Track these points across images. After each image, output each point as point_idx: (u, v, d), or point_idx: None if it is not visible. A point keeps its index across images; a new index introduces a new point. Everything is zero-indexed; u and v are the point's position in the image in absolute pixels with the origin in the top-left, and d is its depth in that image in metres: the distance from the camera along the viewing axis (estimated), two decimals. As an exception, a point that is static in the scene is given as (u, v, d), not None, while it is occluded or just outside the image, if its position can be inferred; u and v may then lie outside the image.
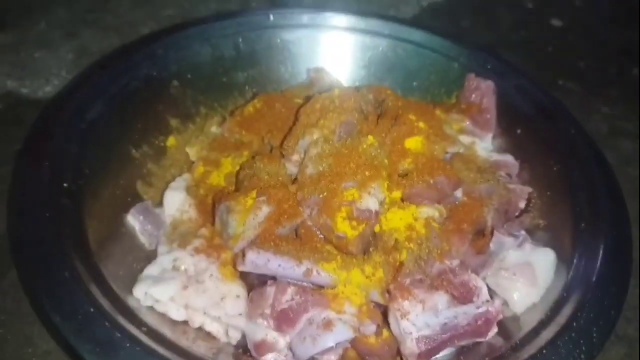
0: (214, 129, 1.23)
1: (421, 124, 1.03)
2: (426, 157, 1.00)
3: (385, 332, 0.87)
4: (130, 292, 0.88)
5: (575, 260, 0.92)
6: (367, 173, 0.93)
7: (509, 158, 1.17)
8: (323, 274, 0.87)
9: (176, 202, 1.05)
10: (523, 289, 0.89)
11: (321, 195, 0.92)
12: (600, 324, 0.81)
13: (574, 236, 0.97)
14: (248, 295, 0.92)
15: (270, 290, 0.87)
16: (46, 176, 0.94)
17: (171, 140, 1.23)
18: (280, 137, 1.10)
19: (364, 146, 0.97)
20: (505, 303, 0.91)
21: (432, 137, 1.03)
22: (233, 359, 0.87)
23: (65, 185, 0.94)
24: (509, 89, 1.24)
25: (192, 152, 1.19)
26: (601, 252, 0.91)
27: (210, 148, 1.16)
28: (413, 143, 1.01)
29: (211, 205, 1.06)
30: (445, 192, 0.98)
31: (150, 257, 1.01)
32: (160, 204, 1.09)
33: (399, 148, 1.00)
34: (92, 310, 0.76)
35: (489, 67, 1.28)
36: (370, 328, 0.85)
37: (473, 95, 1.26)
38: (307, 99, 1.08)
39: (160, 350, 0.74)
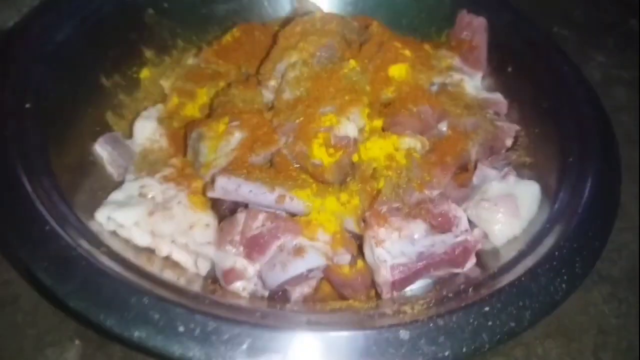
0: (190, 60, 1.17)
1: (407, 52, 0.98)
2: (410, 86, 0.96)
3: (359, 263, 0.83)
4: (93, 217, 0.83)
5: (560, 194, 0.88)
6: (346, 98, 0.88)
7: (498, 96, 1.12)
8: (296, 200, 0.82)
9: (147, 131, 1.00)
10: (504, 220, 0.86)
11: (297, 121, 0.87)
12: (584, 254, 0.77)
13: (561, 171, 0.93)
14: (219, 225, 0.88)
15: (241, 216, 0.83)
16: (7, 95, 0.88)
17: (145, 72, 1.17)
18: (257, 64, 1.05)
19: (345, 70, 0.92)
20: (485, 235, 0.88)
21: (417, 66, 0.98)
22: (201, 289, 0.84)
23: (27, 105, 0.89)
24: (502, 26, 1.18)
25: (166, 84, 1.13)
26: (588, 186, 0.87)
27: (186, 79, 1.10)
28: (397, 71, 0.96)
29: (184, 137, 1.01)
30: (429, 123, 0.94)
31: (117, 188, 0.96)
32: (130, 136, 1.04)
33: (382, 75, 0.95)
34: (47, 228, 0.72)
35: (481, 3, 1.22)
36: (344, 257, 0.81)
37: (464, 33, 1.20)
38: (288, 22, 1.02)
39: (117, 268, 0.70)
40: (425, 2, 1.28)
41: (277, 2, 1.29)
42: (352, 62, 0.92)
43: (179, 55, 1.22)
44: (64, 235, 0.72)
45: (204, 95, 1.07)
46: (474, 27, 1.19)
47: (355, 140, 0.87)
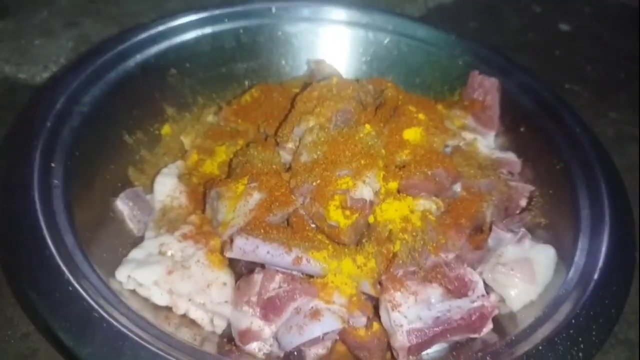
0: (210, 118, 1.21)
1: (421, 116, 1.00)
2: (425, 149, 0.98)
3: (375, 325, 0.83)
4: (113, 275, 0.85)
5: (575, 259, 0.89)
6: (362, 162, 0.90)
7: (511, 156, 1.14)
8: (313, 262, 0.84)
9: (167, 187, 1.03)
10: (520, 285, 0.86)
11: (314, 183, 0.89)
12: (600, 323, 0.77)
13: (576, 235, 0.94)
14: (235, 283, 0.89)
15: (258, 277, 0.84)
16: (35, 156, 0.91)
17: (166, 129, 1.21)
18: (276, 125, 1.08)
19: (361, 135, 0.94)
20: (501, 299, 0.88)
21: (431, 129, 1.00)
22: (217, 347, 0.84)
23: (53, 165, 0.92)
24: (513, 86, 1.22)
25: (187, 140, 1.17)
26: (603, 251, 0.87)
27: (205, 137, 1.14)
28: (412, 134, 0.98)
29: (203, 194, 1.03)
30: (444, 185, 0.95)
31: (137, 243, 0.98)
32: (151, 191, 1.07)
33: (397, 139, 0.98)
34: (69, 289, 0.73)
35: (493, 64, 1.25)
36: (360, 320, 0.82)
37: (476, 93, 1.24)
38: (305, 87, 1.06)
39: (138, 331, 0.71)
40: (438, 63, 1.32)
41: (294, 62, 1.34)
42: (368, 127, 0.95)
43: (199, 111, 1.26)
44: (86, 296, 0.73)
45: (222, 153, 1.10)
46: (486, 88, 1.23)
47: (371, 203, 0.88)
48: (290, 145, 0.98)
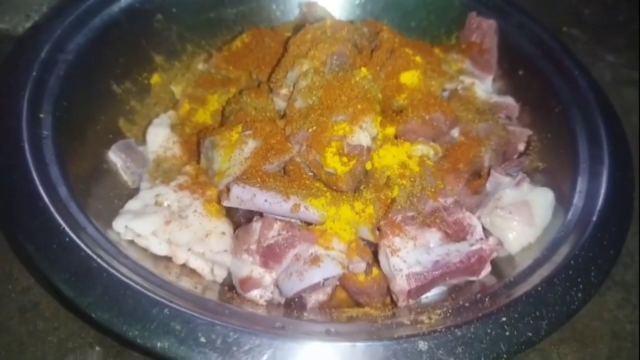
0: (200, 66, 1.18)
1: (418, 58, 0.98)
2: (422, 93, 0.96)
3: (374, 270, 0.84)
4: (110, 226, 0.84)
5: (574, 201, 0.89)
6: (359, 106, 0.88)
7: (509, 100, 1.12)
8: (311, 209, 0.83)
9: (159, 138, 1.01)
10: (519, 228, 0.86)
11: (310, 130, 0.87)
12: (599, 264, 0.78)
13: (574, 177, 0.93)
14: (234, 232, 0.88)
15: (256, 225, 0.83)
16: (22, 106, 0.89)
17: (155, 78, 1.17)
18: (269, 72, 1.05)
19: (357, 79, 0.91)
20: (500, 243, 0.88)
21: (429, 73, 0.98)
22: (218, 295, 0.84)
23: (41, 115, 0.89)
24: (512, 29, 1.18)
25: (177, 90, 1.14)
26: (602, 193, 0.87)
27: (196, 85, 1.11)
28: (409, 77, 0.96)
29: (197, 144, 1.01)
30: (442, 129, 0.94)
31: (132, 195, 0.96)
32: (143, 142, 1.05)
33: (394, 82, 0.95)
34: (66, 240, 0.72)
35: (490, 5, 1.22)
36: (359, 265, 0.82)
37: (474, 35, 1.21)
38: (298, 30, 1.02)
39: (140, 280, 0.71)
40: (434, 4, 1.28)
41: (285, 7, 1.29)
42: (364, 70, 0.92)
43: (189, 60, 1.22)
44: (84, 246, 0.72)
45: (214, 102, 1.08)
46: (483, 30, 1.19)
47: (369, 149, 0.87)
48: (284, 91, 0.95)
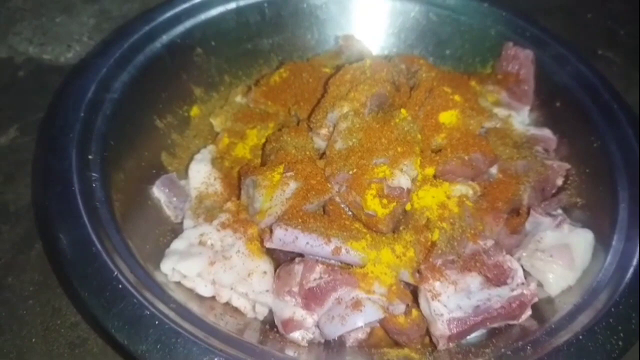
0: (238, 98, 1.20)
1: (456, 97, 0.99)
2: (461, 132, 0.96)
3: (414, 312, 0.85)
4: (158, 267, 0.87)
5: (614, 242, 0.89)
6: (399, 149, 0.89)
7: (546, 132, 1.12)
8: (352, 252, 0.84)
9: (201, 174, 1.03)
10: (559, 271, 0.86)
11: (351, 172, 0.89)
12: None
13: (613, 216, 0.93)
14: (275, 271, 0.90)
15: (299, 268, 0.85)
16: (72, 148, 0.92)
17: (195, 110, 1.20)
18: (307, 108, 1.07)
19: (396, 120, 0.93)
20: (539, 285, 0.89)
21: (467, 111, 0.98)
22: (260, 334, 0.87)
23: (90, 157, 0.93)
24: (548, 59, 1.18)
25: (216, 122, 1.17)
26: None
27: (235, 119, 1.13)
28: (447, 117, 0.97)
29: (237, 179, 1.04)
30: (481, 169, 0.95)
31: (176, 230, 1.00)
32: (184, 175, 1.08)
33: (433, 122, 0.96)
34: (119, 286, 0.75)
35: (527, 34, 1.22)
36: (399, 308, 0.83)
37: (510, 65, 1.20)
38: (337, 69, 1.04)
39: (189, 327, 0.73)
40: (469, 33, 1.28)
41: (320, 36, 1.31)
42: (403, 112, 0.93)
43: (226, 91, 1.25)
44: (136, 293, 0.75)
45: (254, 137, 1.10)
46: (520, 60, 1.19)
47: (408, 191, 0.88)
48: (324, 131, 0.97)
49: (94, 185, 0.89)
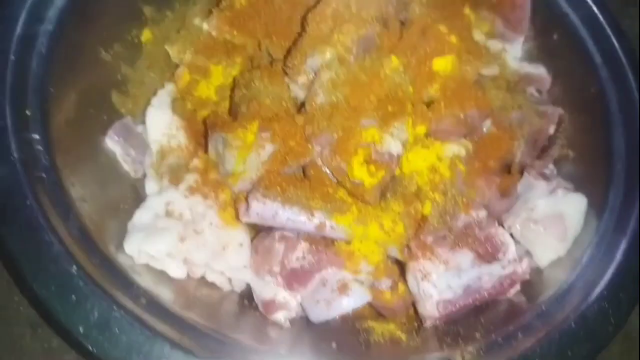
0: (197, 21, 1.02)
1: (452, 38, 0.86)
2: (456, 81, 0.86)
3: (401, 287, 0.81)
4: (121, 246, 0.78)
5: (606, 212, 0.85)
6: (389, 108, 0.79)
7: (541, 71, 1.03)
8: (338, 228, 0.78)
9: (161, 124, 0.90)
10: (551, 243, 0.83)
11: (335, 135, 0.79)
12: (629, 291, 0.76)
13: (608, 175, 0.89)
14: (252, 241, 0.83)
15: (279, 246, 0.78)
16: (5, 105, 0.77)
17: (146, 34, 1.03)
18: (280, 43, 0.92)
19: (387, 71, 0.81)
20: (528, 254, 0.86)
21: (463, 55, 0.87)
22: (238, 308, 0.82)
23: (28, 113, 0.78)
24: (549, -20, 1.04)
25: (173, 51, 1.00)
26: (637, 207, 0.83)
27: (196, 50, 0.97)
28: (442, 64, 0.85)
29: (202, 127, 0.92)
30: (476, 125, 0.86)
31: (136, 189, 0.90)
32: (141, 118, 0.95)
33: (426, 70, 0.85)
34: (81, 284, 0.67)
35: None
36: (386, 283, 0.79)
37: (506, -17, 1.06)
38: (316, 2, 0.88)
39: (163, 327, 0.67)
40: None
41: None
42: (394, 60, 0.82)
43: (182, 7, 1.07)
44: (101, 292, 0.67)
45: (219, 75, 0.96)
46: (518, -20, 1.06)
47: (399, 157, 0.80)
48: (302, 79, 0.84)
49: (36, 150, 0.76)
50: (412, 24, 0.86)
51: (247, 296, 0.83)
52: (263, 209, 0.77)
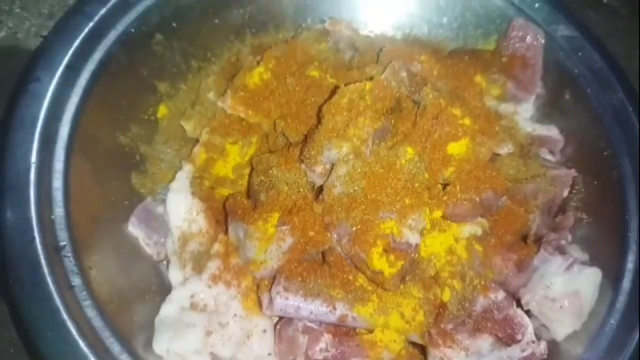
0: (211, 95, 1.04)
1: (466, 121, 0.87)
2: (470, 163, 0.87)
3: (422, 368, 0.84)
4: (149, 342, 0.80)
5: (623, 283, 0.86)
6: (407, 200, 0.81)
7: (553, 132, 1.03)
8: (360, 319, 0.80)
9: (182, 209, 0.92)
10: (568, 320, 0.84)
11: (354, 228, 0.80)
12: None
13: (623, 244, 0.90)
14: (275, 325, 0.86)
15: (303, 338, 0.80)
16: (29, 210, 0.79)
17: (162, 110, 1.05)
18: (295, 126, 0.93)
19: (402, 162, 0.82)
20: (544, 326, 0.87)
21: (478, 137, 0.88)
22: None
23: (52, 217, 0.81)
24: (560, 41, 1.05)
25: (189, 126, 1.03)
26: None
27: (212, 129, 0.99)
28: (457, 148, 0.86)
29: (221, 207, 0.94)
30: (491, 206, 0.87)
31: (159, 272, 0.93)
32: (161, 196, 0.97)
33: (441, 155, 0.86)
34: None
35: (536, 10, 1.06)
36: (408, 367, 0.81)
37: (517, 45, 1.07)
38: (331, 93, 0.89)
39: None
40: (472, 1, 1.11)
41: (299, 2, 1.11)
42: (410, 152, 0.83)
43: (195, 79, 1.08)
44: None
45: (235, 154, 0.98)
46: (527, 41, 1.06)
47: (417, 246, 0.81)
48: (319, 169, 0.86)
49: (62, 257, 0.78)
50: (425, 109, 0.87)
51: (274, 379, 0.86)
52: (286, 304, 0.79)
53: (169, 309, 0.83)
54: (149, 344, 0.80)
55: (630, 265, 0.87)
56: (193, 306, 0.83)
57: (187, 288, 0.85)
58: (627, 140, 0.96)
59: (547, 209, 0.94)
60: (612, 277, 0.88)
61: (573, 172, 0.99)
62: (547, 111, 1.08)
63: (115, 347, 0.76)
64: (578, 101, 1.03)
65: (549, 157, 1.03)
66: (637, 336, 0.81)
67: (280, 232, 0.82)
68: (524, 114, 1.05)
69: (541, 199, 0.93)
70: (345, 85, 0.87)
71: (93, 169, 0.89)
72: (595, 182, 0.98)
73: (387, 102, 0.85)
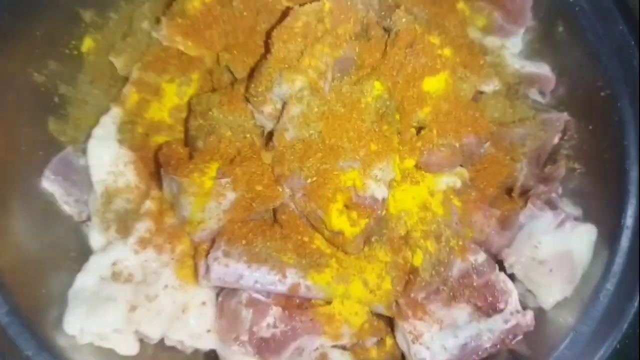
0: (145, 24, 0.88)
1: (446, 52, 0.73)
2: (450, 101, 0.73)
3: (388, 341, 0.72)
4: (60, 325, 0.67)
5: (619, 242, 0.74)
6: (373, 147, 0.67)
7: (544, 70, 0.91)
8: (315, 288, 0.67)
9: (106, 159, 0.78)
10: (558, 285, 0.73)
11: (309, 180, 0.67)
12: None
13: (621, 197, 0.78)
14: (217, 296, 0.72)
15: (247, 313, 0.67)
16: None
17: (87, 43, 0.90)
18: (242, 59, 0.79)
19: (368, 100, 0.68)
20: (529, 291, 0.76)
21: (459, 70, 0.73)
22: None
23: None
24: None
25: (119, 62, 0.88)
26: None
27: (145, 64, 0.84)
28: (434, 83, 0.72)
29: (155, 158, 0.79)
30: (473, 152, 0.74)
31: (80, 233, 0.78)
32: (82, 145, 0.82)
33: (415, 92, 0.72)
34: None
35: None
36: (371, 341, 0.70)
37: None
38: (282, 13, 0.74)
39: None
40: None
41: None
42: (377, 85, 0.68)
43: (128, 7, 0.91)
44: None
45: (172, 94, 0.83)
46: (518, -37, 0.91)
47: (384, 200, 0.68)
48: (268, 108, 0.71)
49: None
50: (397, 36, 0.72)
51: (214, 357, 0.73)
52: (225, 272, 0.66)
53: (85, 280, 0.69)
54: (60, 321, 0.66)
55: (629, 221, 0.76)
56: (115, 276, 0.69)
57: (108, 254, 0.71)
58: (628, 79, 0.83)
59: (535, 157, 0.82)
60: (608, 235, 0.77)
61: (565, 116, 0.87)
62: (538, 46, 0.94)
63: (14, 327, 0.61)
64: (572, 34, 0.89)
65: (538, 98, 0.91)
66: (637, 303, 0.70)
67: (219, 185, 0.68)
68: (512, 49, 0.92)
69: (529, 146, 0.81)
70: (301, 6, 0.71)
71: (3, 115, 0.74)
72: (591, 127, 0.86)
73: (350, 26, 0.70)
